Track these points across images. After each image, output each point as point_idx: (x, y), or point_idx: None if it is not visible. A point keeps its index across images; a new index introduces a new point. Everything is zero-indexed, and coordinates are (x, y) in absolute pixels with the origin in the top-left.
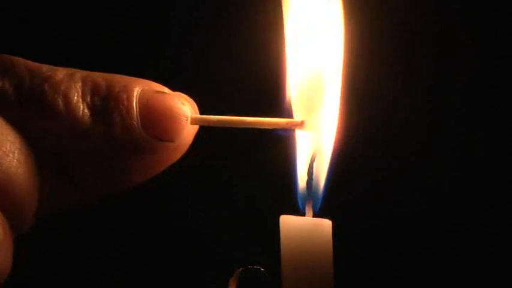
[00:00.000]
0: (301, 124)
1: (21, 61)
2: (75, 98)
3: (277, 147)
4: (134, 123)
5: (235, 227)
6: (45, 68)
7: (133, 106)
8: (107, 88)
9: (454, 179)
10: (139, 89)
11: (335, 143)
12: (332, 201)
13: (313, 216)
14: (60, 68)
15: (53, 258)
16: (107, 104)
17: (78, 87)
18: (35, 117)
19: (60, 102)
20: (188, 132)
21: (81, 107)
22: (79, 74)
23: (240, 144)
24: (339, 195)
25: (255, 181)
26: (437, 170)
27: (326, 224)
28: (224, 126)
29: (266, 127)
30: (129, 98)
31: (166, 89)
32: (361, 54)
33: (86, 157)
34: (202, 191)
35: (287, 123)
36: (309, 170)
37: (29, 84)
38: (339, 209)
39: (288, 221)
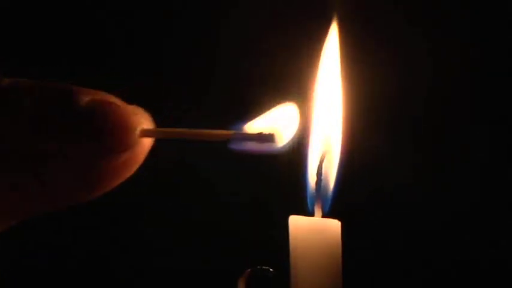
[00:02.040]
0: (270, 136)
1: None
2: (17, 105)
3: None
4: (73, 130)
5: (244, 227)
6: None
7: (77, 114)
8: (55, 94)
9: (468, 177)
10: (88, 99)
11: (344, 143)
12: (341, 201)
13: (322, 217)
14: (5, 79)
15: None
16: (51, 110)
17: (22, 92)
18: None
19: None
20: (141, 145)
21: (24, 114)
22: (27, 81)
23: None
24: (348, 196)
25: (264, 182)
26: (450, 169)
27: (335, 224)
28: (179, 138)
29: (222, 139)
30: (74, 105)
31: (118, 100)
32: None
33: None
34: (210, 189)
35: (254, 135)
36: (318, 170)
37: None
38: (348, 209)
39: (297, 221)
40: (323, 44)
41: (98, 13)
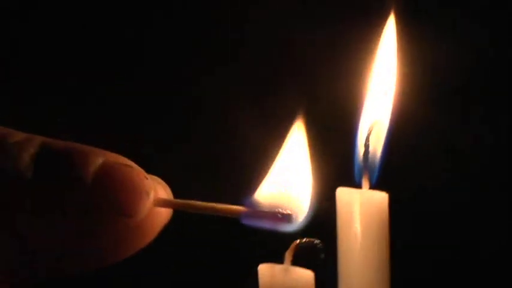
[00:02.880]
0: (288, 217)
1: None
2: (27, 158)
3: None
4: (83, 193)
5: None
6: (1, 131)
7: (87, 175)
8: (65, 155)
9: None
10: (101, 160)
11: (392, 114)
12: (389, 173)
13: (370, 189)
14: (19, 132)
15: None
16: (60, 170)
17: (33, 150)
18: None
19: (10, 161)
20: (156, 214)
21: (31, 168)
22: (39, 138)
23: None
24: (396, 168)
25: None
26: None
27: (382, 196)
28: (192, 211)
29: (235, 216)
30: (85, 167)
31: (133, 164)
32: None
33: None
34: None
35: (268, 213)
36: (365, 142)
37: None
38: (395, 181)
39: (344, 194)
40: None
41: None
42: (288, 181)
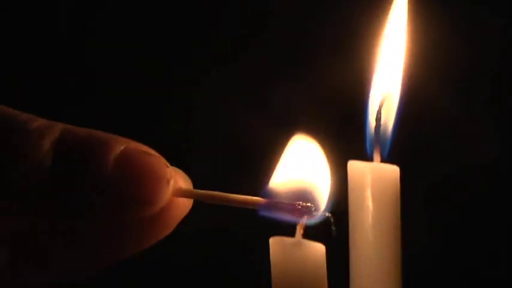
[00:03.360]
0: (308, 209)
1: None
2: (47, 145)
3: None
4: (103, 180)
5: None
6: (23, 117)
7: (107, 162)
8: (85, 142)
9: None
10: (122, 147)
11: (403, 87)
12: (400, 146)
13: (381, 162)
14: (40, 118)
15: None
16: (80, 157)
17: (53, 136)
18: None
19: (30, 148)
20: (176, 204)
21: (51, 155)
22: (60, 125)
23: None
24: (408, 141)
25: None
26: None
27: (393, 169)
28: (211, 202)
29: (254, 207)
30: (105, 153)
31: (154, 152)
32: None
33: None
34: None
35: (290, 205)
36: (377, 115)
37: None
38: (407, 154)
39: (355, 167)
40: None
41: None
42: (305, 169)
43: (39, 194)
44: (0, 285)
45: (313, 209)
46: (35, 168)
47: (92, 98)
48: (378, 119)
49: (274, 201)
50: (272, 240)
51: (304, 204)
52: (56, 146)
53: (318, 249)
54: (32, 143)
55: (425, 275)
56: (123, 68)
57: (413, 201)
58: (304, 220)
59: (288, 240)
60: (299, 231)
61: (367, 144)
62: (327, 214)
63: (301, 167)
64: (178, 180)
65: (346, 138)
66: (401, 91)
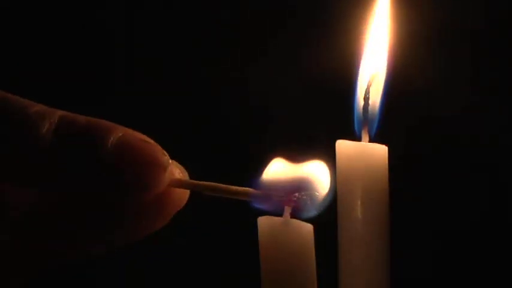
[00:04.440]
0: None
1: None
2: (46, 127)
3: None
4: (102, 163)
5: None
6: (24, 101)
7: (106, 146)
8: (85, 127)
9: None
10: (121, 133)
11: (390, 66)
12: (388, 126)
13: (369, 142)
14: (40, 104)
15: None
16: (78, 141)
17: (52, 120)
18: None
19: (31, 129)
20: (172, 194)
21: (49, 138)
22: (59, 111)
23: None
24: (396, 120)
25: (311, 106)
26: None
27: (382, 149)
28: (207, 193)
29: (250, 199)
30: (104, 138)
31: (151, 140)
32: None
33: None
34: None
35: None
36: (365, 94)
37: None
38: (395, 134)
39: (343, 146)
40: None
41: None
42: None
43: (38, 176)
44: (2, 266)
45: (308, 201)
46: (34, 149)
47: (91, 98)
48: (367, 98)
49: (267, 192)
50: (260, 220)
51: (299, 196)
52: (55, 128)
53: (306, 228)
54: (31, 125)
55: (414, 250)
56: (123, 68)
57: (401, 181)
58: (300, 213)
59: (275, 219)
60: (287, 210)
61: (355, 124)
62: (315, 194)
63: (296, 163)
64: (174, 170)
65: (334, 118)
66: (388, 70)
